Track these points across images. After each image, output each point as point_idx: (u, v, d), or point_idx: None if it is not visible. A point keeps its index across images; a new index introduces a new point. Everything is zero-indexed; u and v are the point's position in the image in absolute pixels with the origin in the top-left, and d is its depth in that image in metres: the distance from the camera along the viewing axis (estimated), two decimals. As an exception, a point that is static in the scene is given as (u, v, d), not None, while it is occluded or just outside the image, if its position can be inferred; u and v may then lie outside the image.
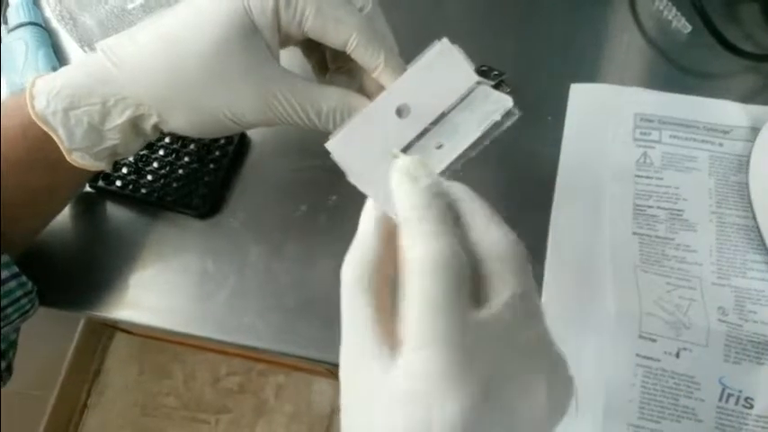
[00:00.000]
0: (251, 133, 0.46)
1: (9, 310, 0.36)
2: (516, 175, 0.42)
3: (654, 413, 0.35)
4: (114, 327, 1.23)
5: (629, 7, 0.47)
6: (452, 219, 0.22)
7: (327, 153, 0.29)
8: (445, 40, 0.29)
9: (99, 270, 0.42)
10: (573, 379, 0.22)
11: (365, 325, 0.21)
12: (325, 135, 0.29)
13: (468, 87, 0.30)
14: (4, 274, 0.35)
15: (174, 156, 0.44)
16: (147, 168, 0.44)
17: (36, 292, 0.38)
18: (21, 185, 0.36)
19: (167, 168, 0.44)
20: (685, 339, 0.36)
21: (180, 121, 0.34)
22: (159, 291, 0.42)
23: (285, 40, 0.33)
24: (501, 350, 0.20)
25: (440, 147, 0.29)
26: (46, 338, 1.11)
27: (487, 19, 0.48)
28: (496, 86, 0.39)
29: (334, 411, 1.17)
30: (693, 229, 0.39)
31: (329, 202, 0.43)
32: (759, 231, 0.38)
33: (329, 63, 0.37)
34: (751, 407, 0.34)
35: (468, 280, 0.20)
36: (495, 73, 0.43)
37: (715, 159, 0.41)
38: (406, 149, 0.30)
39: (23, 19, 0.49)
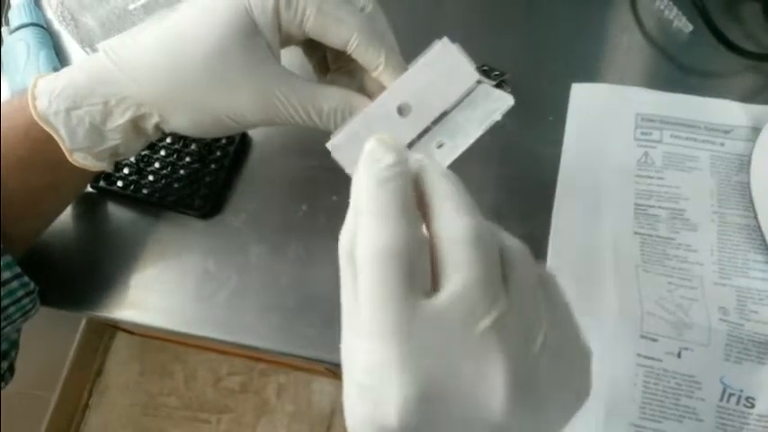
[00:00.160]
0: (252, 133, 0.46)
1: (11, 309, 0.36)
2: (517, 174, 0.42)
3: (655, 413, 0.35)
4: (115, 327, 1.23)
5: (629, 7, 0.47)
6: (415, 201, 0.21)
7: (328, 153, 0.29)
8: (446, 40, 0.29)
9: (100, 270, 0.42)
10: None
11: (348, 300, 0.21)
12: (326, 135, 0.29)
13: (469, 86, 0.30)
14: (6, 274, 0.35)
15: (175, 156, 0.44)
16: (149, 168, 0.44)
17: (38, 292, 0.38)
18: (22, 185, 0.36)
19: (169, 168, 0.44)
20: (687, 339, 0.36)
21: (181, 121, 0.34)
22: (160, 291, 0.42)
23: (286, 40, 0.34)
24: (452, 339, 0.19)
25: (441, 146, 0.30)
26: (47, 338, 1.12)
27: (487, 19, 0.48)
28: (497, 86, 0.39)
29: (335, 411, 1.17)
30: (695, 229, 0.39)
31: (330, 202, 0.43)
32: (760, 231, 0.38)
33: (330, 63, 0.37)
34: (752, 406, 0.34)
35: (419, 269, 0.20)
36: (496, 73, 0.43)
37: (716, 159, 0.41)
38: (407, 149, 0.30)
39: (25, 20, 0.50)
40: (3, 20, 0.50)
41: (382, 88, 0.32)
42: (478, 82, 0.30)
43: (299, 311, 0.40)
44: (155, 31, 0.33)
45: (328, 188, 0.43)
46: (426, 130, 0.30)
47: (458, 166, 0.29)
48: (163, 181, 0.44)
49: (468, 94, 0.30)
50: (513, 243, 0.22)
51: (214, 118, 0.34)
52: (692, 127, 0.42)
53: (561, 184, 0.41)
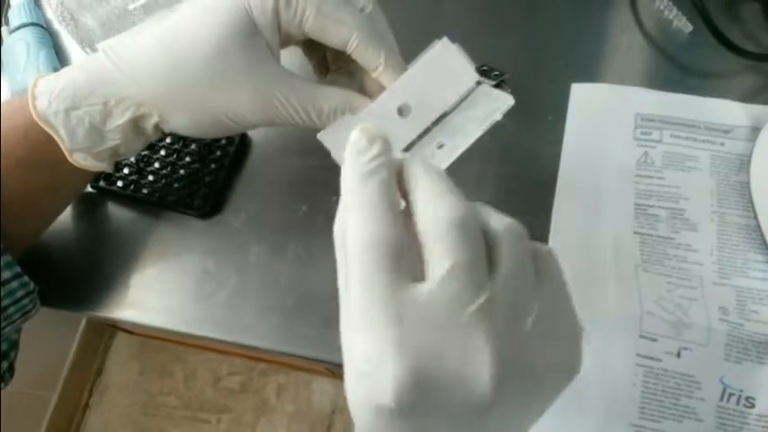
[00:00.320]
0: (252, 133, 0.46)
1: (11, 309, 0.36)
2: (517, 174, 0.42)
3: (655, 413, 0.35)
4: (115, 327, 1.23)
5: (629, 7, 0.47)
6: (399, 192, 0.22)
7: (328, 153, 0.29)
8: (445, 40, 0.30)
9: (100, 270, 0.42)
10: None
11: (342, 286, 0.22)
12: (326, 135, 0.29)
13: (469, 87, 0.30)
14: (6, 274, 0.35)
15: (175, 156, 0.44)
16: (149, 169, 0.44)
17: (37, 292, 0.38)
18: (22, 185, 0.36)
19: (168, 168, 0.44)
20: (686, 339, 0.36)
21: (181, 122, 0.34)
22: (160, 291, 0.42)
23: (285, 40, 0.34)
24: (440, 323, 0.19)
25: (441, 146, 0.30)
26: (47, 338, 1.12)
27: (487, 19, 0.48)
28: (497, 86, 0.39)
29: (335, 411, 1.17)
30: (694, 229, 0.39)
31: (330, 202, 0.43)
32: (760, 231, 0.38)
33: (330, 63, 0.37)
34: (752, 406, 0.34)
35: (406, 256, 0.20)
36: (496, 73, 0.43)
37: (716, 159, 0.41)
38: (407, 149, 0.30)
39: (25, 20, 0.50)
40: (3, 19, 0.50)
41: (382, 88, 0.32)
42: (478, 82, 0.30)
43: (298, 311, 0.40)
44: (154, 32, 0.33)
45: (328, 188, 0.42)
46: (426, 131, 0.30)
47: (457, 166, 0.29)
48: (163, 181, 0.44)
49: (468, 94, 0.30)
50: (499, 221, 0.22)
51: (214, 118, 0.34)
52: (692, 127, 0.42)
53: (561, 183, 0.41)
